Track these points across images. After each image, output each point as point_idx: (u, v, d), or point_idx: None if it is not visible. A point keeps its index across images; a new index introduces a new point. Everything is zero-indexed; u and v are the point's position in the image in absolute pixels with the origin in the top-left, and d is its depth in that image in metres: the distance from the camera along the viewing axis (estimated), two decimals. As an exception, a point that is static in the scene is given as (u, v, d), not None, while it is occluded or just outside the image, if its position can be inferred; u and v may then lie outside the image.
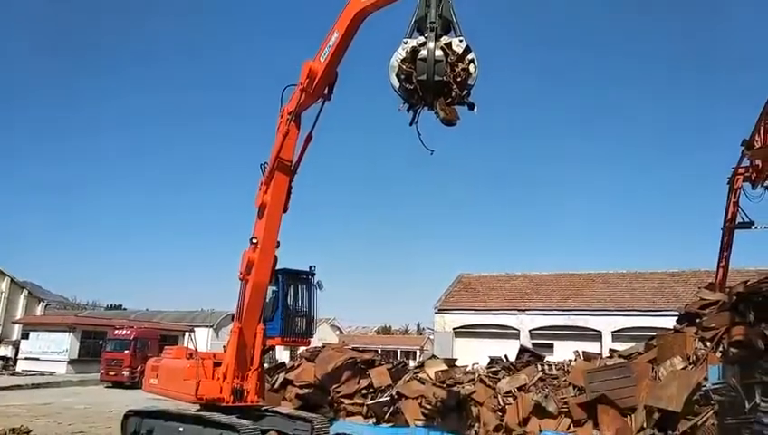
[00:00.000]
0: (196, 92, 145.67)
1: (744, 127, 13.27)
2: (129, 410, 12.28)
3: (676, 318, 15.35)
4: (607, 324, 28.19)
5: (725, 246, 16.90)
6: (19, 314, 43.78)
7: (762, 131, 12.21)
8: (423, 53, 7.88)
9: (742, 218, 16.24)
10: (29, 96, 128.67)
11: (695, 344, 11.62)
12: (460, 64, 7.96)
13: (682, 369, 11.15)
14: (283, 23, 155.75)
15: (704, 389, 9.82)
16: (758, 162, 14.12)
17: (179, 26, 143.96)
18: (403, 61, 8.07)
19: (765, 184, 14.35)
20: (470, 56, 7.97)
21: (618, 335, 27.07)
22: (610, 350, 16.81)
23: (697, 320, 12.94)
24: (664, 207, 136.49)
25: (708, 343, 11.37)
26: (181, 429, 11.16)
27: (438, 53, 7.84)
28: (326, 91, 11.37)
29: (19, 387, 25.41)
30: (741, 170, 15.47)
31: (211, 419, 10.72)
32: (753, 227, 16.20)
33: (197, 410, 11.50)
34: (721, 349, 10.86)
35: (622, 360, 13.27)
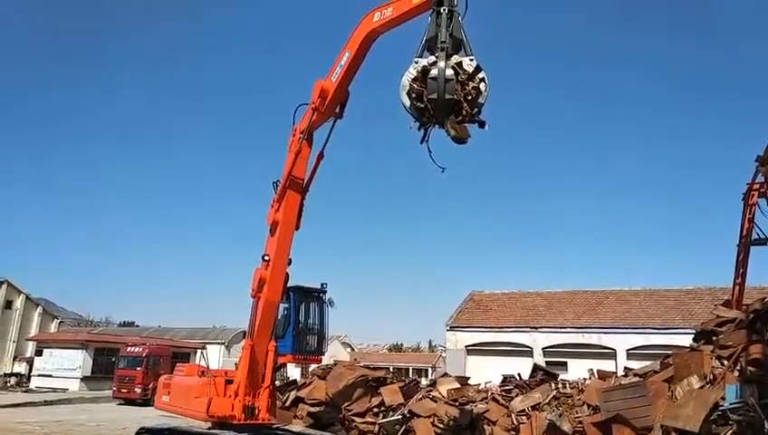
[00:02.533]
0: (207, 99, 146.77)
1: (760, 143, 13.20)
2: (141, 428, 12.29)
3: (693, 336, 15.17)
4: (621, 342, 27.86)
5: (741, 263, 16.72)
6: (33, 330, 44.13)
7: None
8: (434, 72, 7.96)
9: (757, 235, 16.08)
10: (35, 105, 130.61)
11: (711, 363, 11.46)
12: (471, 83, 8.02)
13: (699, 388, 10.98)
14: (286, 21, 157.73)
15: (721, 408, 9.66)
16: (773, 178, 14.02)
17: (180, 32, 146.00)
18: (414, 80, 8.15)
19: (780, 200, 14.23)
20: (480, 75, 8.04)
21: (632, 353, 26.72)
22: (625, 368, 16.61)
23: (714, 338, 12.77)
24: (679, 224, 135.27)
25: (725, 362, 11.20)
26: (193, 447, 11.15)
27: (449, 72, 7.90)
28: (338, 110, 11.49)
29: (32, 404, 25.54)
30: (756, 186, 15.35)
31: (222, 437, 10.70)
32: (768, 244, 16.03)
33: (209, 428, 11.49)
34: (738, 367, 10.69)
35: (638, 378, 13.10)
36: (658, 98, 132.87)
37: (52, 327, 46.85)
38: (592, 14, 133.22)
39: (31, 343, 42.25)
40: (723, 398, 9.88)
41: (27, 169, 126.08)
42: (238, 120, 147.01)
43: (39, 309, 46.06)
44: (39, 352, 38.74)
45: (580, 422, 12.23)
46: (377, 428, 14.91)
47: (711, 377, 11.08)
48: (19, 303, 43.94)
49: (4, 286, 42.84)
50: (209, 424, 11.63)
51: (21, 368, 41.18)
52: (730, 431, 9.24)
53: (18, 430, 15.58)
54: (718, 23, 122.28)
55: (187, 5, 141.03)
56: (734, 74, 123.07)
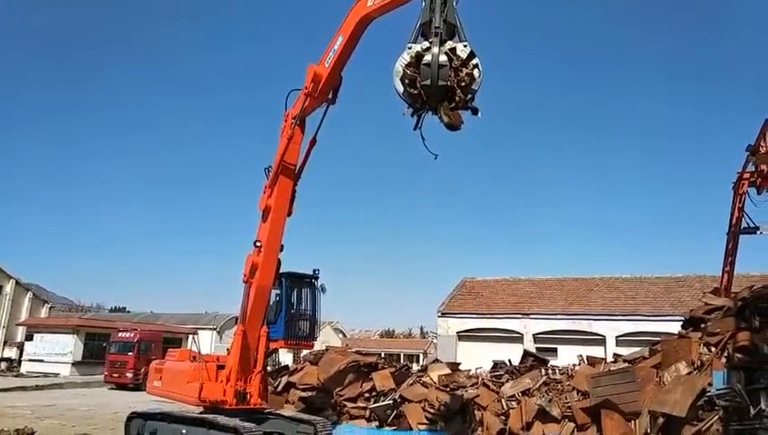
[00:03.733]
0: (198, 94, 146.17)
1: (750, 132, 13.29)
2: (133, 412, 12.30)
3: (681, 323, 15.32)
4: (611, 329, 28.12)
5: (730, 252, 16.87)
6: (24, 315, 43.96)
7: (767, 137, 12.21)
8: (427, 57, 7.91)
9: (747, 224, 16.22)
10: (31, 97, 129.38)
11: (699, 350, 11.60)
12: (464, 69, 7.98)
13: (687, 374, 11.12)
14: (285, 22, 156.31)
15: (708, 394, 9.79)
16: (763, 167, 14.12)
17: (179, 27, 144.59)
18: (407, 65, 8.10)
19: (770, 189, 14.34)
20: (474, 61, 8.00)
21: (622, 340, 26.99)
22: (615, 354, 16.78)
23: (702, 325, 12.91)
24: (669, 212, 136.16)
25: (713, 349, 11.34)
26: (184, 431, 11.17)
27: (443, 57, 7.86)
28: (330, 96, 11.42)
29: (23, 388, 25.49)
30: (746, 175, 15.46)
31: (214, 421, 10.73)
32: (758, 232, 16.18)
33: (201, 413, 11.52)
34: (726, 354, 10.82)
35: (626, 365, 13.25)
36: (649, 88, 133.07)
37: (43, 312, 46.67)
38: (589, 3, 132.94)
39: (21, 328, 42.09)
40: (710, 384, 10.01)
41: (17, 156, 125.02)
42: (229, 109, 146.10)
43: (29, 294, 45.84)
44: (29, 337, 38.62)
45: (569, 407, 12.37)
46: (368, 412, 15.01)
47: (699, 363, 11.22)
48: (9, 288, 43.70)
49: (-6, 271, 42.60)
50: (201, 409, 11.68)
51: (11, 353, 41.06)
52: (716, 417, 9.38)
53: (9, 415, 15.56)
54: (711, 16, 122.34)
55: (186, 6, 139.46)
56: (724, 65, 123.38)
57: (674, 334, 14.08)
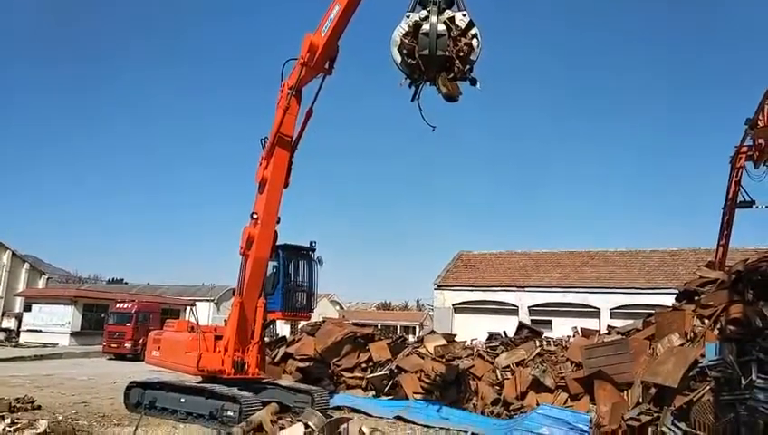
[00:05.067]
0: (195, 62, 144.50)
1: (749, 106, 13.20)
2: (132, 382, 12.45)
3: (675, 296, 15.44)
4: (605, 302, 28.38)
5: (726, 225, 16.93)
6: (21, 286, 44.07)
7: (765, 110, 12.14)
8: (425, 27, 7.80)
9: (743, 197, 16.24)
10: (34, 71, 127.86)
11: (693, 322, 11.69)
12: (463, 39, 7.88)
13: (680, 345, 11.23)
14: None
15: (700, 365, 9.89)
16: (761, 141, 14.07)
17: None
18: (405, 35, 7.99)
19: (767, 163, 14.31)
20: (473, 31, 7.89)
21: (616, 313, 27.26)
22: (608, 327, 16.94)
23: (696, 298, 13.00)
24: (665, 185, 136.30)
25: (706, 321, 11.44)
26: (183, 400, 11.33)
27: (441, 27, 7.76)
28: (327, 66, 11.28)
29: (22, 359, 25.67)
30: (744, 149, 15.42)
31: (213, 390, 10.88)
32: (754, 206, 16.22)
33: (199, 382, 11.66)
34: (719, 327, 10.92)
35: (620, 336, 13.37)
36: (648, 60, 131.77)
37: (40, 283, 46.79)
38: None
39: (19, 299, 42.23)
40: (702, 355, 10.11)
41: (12, 124, 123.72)
42: (224, 79, 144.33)
43: (26, 265, 45.89)
44: (28, 308, 38.78)
45: (562, 378, 12.53)
46: (365, 382, 15.21)
47: (692, 335, 11.33)
48: (6, 259, 43.72)
49: (-10, 243, 42.56)
50: (199, 378, 11.81)
51: (10, 323, 41.23)
52: (708, 387, 9.48)
53: (9, 383, 15.69)
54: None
55: None
56: (725, 37, 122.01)
57: (668, 307, 14.18)
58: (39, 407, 11.69)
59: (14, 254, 44.58)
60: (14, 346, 33.72)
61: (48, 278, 49.69)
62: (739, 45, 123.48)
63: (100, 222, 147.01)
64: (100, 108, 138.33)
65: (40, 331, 36.11)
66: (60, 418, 10.78)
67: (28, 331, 37.09)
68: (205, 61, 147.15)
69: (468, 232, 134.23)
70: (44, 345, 33.32)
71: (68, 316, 35.76)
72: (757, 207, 16.19)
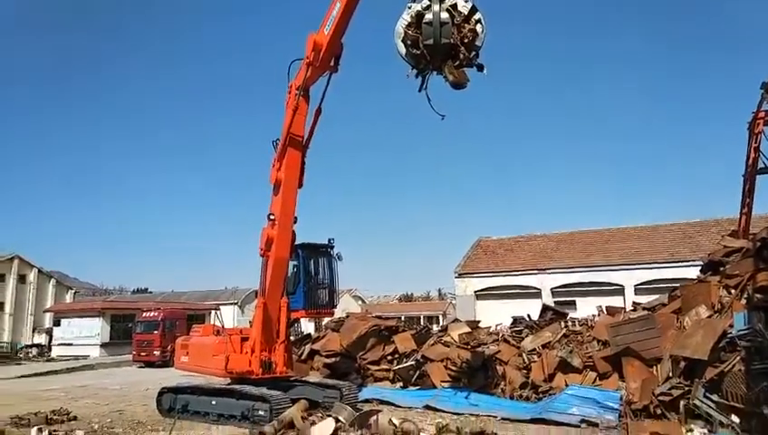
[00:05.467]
0: (210, 67, 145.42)
1: (765, 70, 12.95)
2: (164, 388, 12.65)
3: (700, 268, 15.25)
4: (629, 278, 28.09)
5: (748, 193, 16.64)
6: (49, 302, 44.92)
7: (781, 73, 11.90)
8: (428, 16, 7.77)
9: (764, 163, 15.94)
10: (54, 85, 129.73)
11: (719, 292, 11.57)
12: (467, 25, 7.84)
13: (707, 317, 11.12)
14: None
15: (729, 336, 9.79)
16: (778, 105, 13.80)
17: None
18: (408, 26, 7.97)
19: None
20: (476, 16, 7.85)
21: (640, 289, 26.97)
22: (634, 303, 16.82)
23: (721, 268, 12.85)
24: (684, 156, 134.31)
25: (733, 291, 11.30)
26: (214, 402, 11.50)
27: (444, 15, 7.72)
28: (332, 63, 11.29)
29: (55, 372, 26.19)
30: (761, 114, 15.13)
31: (242, 391, 11.01)
32: (774, 172, 15.91)
33: (229, 384, 11.81)
34: (746, 296, 10.78)
35: (646, 312, 13.27)
36: (662, 28, 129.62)
37: (68, 298, 47.64)
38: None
39: (48, 315, 43.05)
40: (731, 326, 10.00)
41: (26, 134, 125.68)
42: (245, 85, 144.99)
43: (53, 281, 46.76)
44: (57, 323, 39.55)
45: (590, 358, 12.48)
46: (392, 374, 15.28)
47: (719, 306, 11.21)
48: (32, 276, 44.59)
49: (16, 261, 43.40)
50: (229, 380, 11.96)
51: (41, 338, 42.11)
52: (738, 358, 9.39)
53: (43, 397, 16.03)
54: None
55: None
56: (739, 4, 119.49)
57: (693, 280, 14.03)
58: (75, 418, 11.93)
59: (40, 271, 45.43)
60: (47, 360, 34.43)
61: (75, 292, 50.60)
62: (756, 7, 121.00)
63: (123, 234, 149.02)
64: (112, 115, 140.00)
65: (71, 344, 36.82)
66: (96, 427, 11.01)
67: (59, 344, 37.84)
68: (216, 59, 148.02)
69: (486, 218, 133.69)
70: (76, 358, 33.98)
71: (97, 328, 36.41)
72: (778, 172, 15.89)
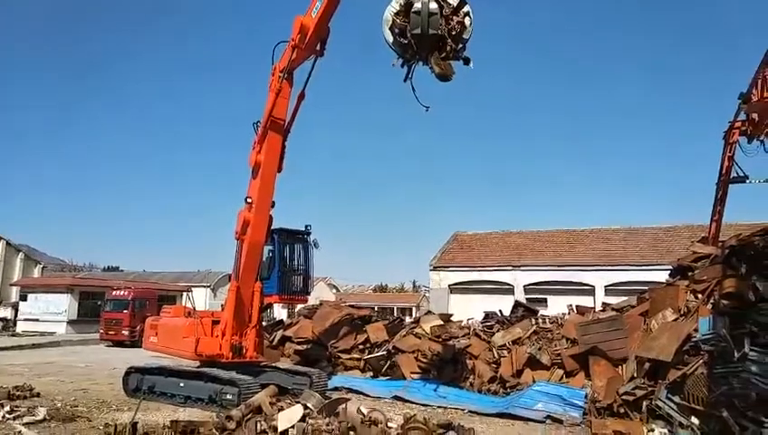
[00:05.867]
0: (189, 45, 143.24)
1: (742, 80, 13.18)
2: (131, 367, 12.49)
3: (669, 272, 15.53)
4: (600, 279, 28.57)
5: (719, 201, 16.98)
6: (16, 276, 43.98)
7: (759, 85, 12.11)
8: (417, 5, 7.73)
9: (736, 173, 16.27)
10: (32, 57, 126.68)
11: (686, 297, 11.79)
12: (455, 17, 7.83)
13: (673, 321, 11.34)
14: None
15: (694, 340, 10.00)
16: (754, 116, 14.06)
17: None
18: (397, 14, 7.92)
19: (761, 138, 14.32)
20: (465, 9, 7.84)
21: (611, 290, 27.46)
22: (603, 303, 17.08)
23: (690, 273, 13.09)
24: (658, 162, 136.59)
25: (700, 296, 11.53)
26: (182, 384, 11.40)
27: (433, 5, 7.69)
28: (318, 47, 11.18)
29: (20, 347, 25.70)
30: (737, 124, 15.41)
31: (211, 374, 10.93)
32: (747, 181, 16.26)
33: (197, 367, 11.71)
34: (712, 301, 11.01)
35: (615, 313, 13.49)
36: (638, 30, 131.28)
37: (36, 272, 46.70)
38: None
39: (15, 289, 42.16)
40: (696, 330, 10.21)
41: (6, 114, 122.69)
42: (220, 64, 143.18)
43: (21, 255, 45.76)
44: (24, 297, 38.71)
45: (558, 355, 12.66)
46: (362, 363, 15.32)
47: (685, 310, 11.43)
48: (0, 248, 43.57)
49: (-17, 233, 42.37)
50: (198, 363, 11.86)
51: (6, 313, 41.22)
52: (701, 361, 9.60)
53: (7, 372, 15.73)
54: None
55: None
56: (721, 16, 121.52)
57: (662, 283, 14.30)
58: (38, 394, 11.72)
59: (8, 243, 44.43)
60: (12, 335, 33.73)
61: (43, 267, 49.58)
62: (737, 18, 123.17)
63: (94, 210, 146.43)
64: (94, 98, 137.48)
65: (37, 320, 36.09)
66: (59, 405, 10.82)
67: (25, 320, 37.06)
68: (195, 37, 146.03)
69: (464, 213, 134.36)
70: (42, 334, 33.34)
71: (64, 305, 35.73)
72: (750, 182, 16.23)
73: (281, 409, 9.24)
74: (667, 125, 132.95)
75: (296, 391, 11.27)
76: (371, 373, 15.01)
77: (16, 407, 9.99)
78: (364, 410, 8.92)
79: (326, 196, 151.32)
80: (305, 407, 9.02)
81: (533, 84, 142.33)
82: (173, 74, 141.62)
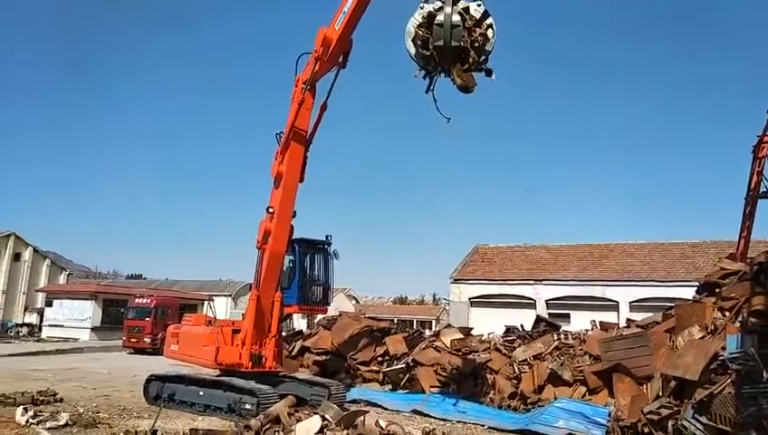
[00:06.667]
0: (209, 60, 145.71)
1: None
2: (151, 375, 12.58)
3: (696, 288, 15.21)
4: (624, 295, 28.07)
5: (748, 216, 16.64)
6: (42, 282, 44.78)
7: (789, 98, 11.89)
8: (440, 17, 7.74)
9: (766, 188, 15.94)
10: (51, 66, 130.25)
11: (713, 314, 11.52)
12: (478, 29, 7.81)
13: (700, 338, 11.07)
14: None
15: (721, 358, 9.75)
16: (784, 130, 13.79)
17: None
18: (419, 26, 7.94)
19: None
20: (488, 21, 7.82)
21: (635, 306, 26.95)
22: (627, 320, 16.77)
23: (717, 290, 12.80)
24: (686, 176, 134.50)
25: (727, 313, 11.25)
26: (201, 393, 11.44)
27: (456, 17, 7.69)
28: (341, 59, 11.25)
29: (44, 353, 26.14)
30: (766, 139, 15.13)
31: (230, 383, 10.96)
32: (776, 197, 15.92)
33: (217, 375, 11.75)
34: (740, 319, 10.74)
35: (639, 329, 13.23)
36: (668, 41, 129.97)
37: (61, 279, 47.51)
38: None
39: (41, 295, 42.93)
40: (723, 348, 9.95)
41: (32, 120, 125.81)
42: (246, 78, 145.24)
43: (47, 261, 46.62)
44: (49, 303, 39.42)
45: (581, 372, 12.42)
46: (381, 376, 15.23)
47: (712, 328, 11.16)
48: (27, 255, 44.44)
49: (12, 239, 43.28)
50: (218, 371, 11.90)
51: (32, 318, 42.00)
52: (728, 380, 9.35)
53: (32, 377, 15.98)
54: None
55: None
56: (748, 25, 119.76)
57: (688, 300, 13.99)
58: (61, 400, 11.88)
59: (35, 250, 45.30)
60: (37, 341, 34.35)
61: (69, 274, 50.43)
62: (761, 34, 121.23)
63: (120, 218, 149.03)
64: (117, 107, 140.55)
65: (61, 326, 36.70)
66: (81, 410, 10.94)
67: (50, 326, 37.72)
68: (220, 60, 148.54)
69: (485, 225, 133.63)
70: (66, 340, 33.88)
71: (88, 311, 36.29)
72: (780, 197, 15.90)
73: (299, 420, 9.23)
74: (691, 140, 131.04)
75: (314, 403, 11.23)
76: (390, 386, 14.90)
77: (40, 412, 10.12)
78: (382, 424, 8.87)
79: (347, 206, 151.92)
80: (323, 418, 8.99)
81: (558, 94, 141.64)
82: (193, 88, 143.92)
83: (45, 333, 37.53)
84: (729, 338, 10.00)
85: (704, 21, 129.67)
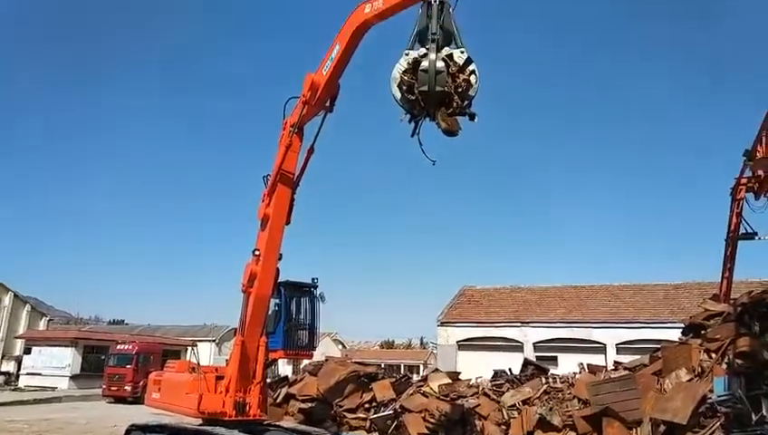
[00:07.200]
0: (196, 98, 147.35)
1: (747, 137, 13.32)
2: (132, 425, 12.20)
3: (681, 330, 15.26)
4: (611, 337, 28.01)
5: (729, 258, 16.85)
6: (22, 328, 43.67)
7: (763, 141, 12.24)
8: (424, 63, 7.93)
9: (745, 229, 16.20)
10: (32, 106, 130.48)
11: (700, 356, 11.55)
12: (461, 75, 8.00)
13: (687, 381, 11.06)
14: (285, 23, 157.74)
15: (710, 401, 9.73)
16: (760, 172, 14.13)
17: (180, 30, 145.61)
18: (405, 72, 8.12)
19: (768, 194, 14.33)
20: (471, 67, 8.02)
21: (622, 348, 26.88)
22: (615, 362, 16.71)
23: (702, 331, 12.87)
24: (668, 218, 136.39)
25: (713, 355, 11.29)
26: (183, 443, 11.09)
27: (440, 63, 7.88)
28: (328, 104, 11.43)
29: (21, 402, 25.29)
30: (743, 181, 15.46)
31: (213, 433, 10.64)
32: (756, 238, 16.17)
33: (200, 425, 11.42)
34: (726, 360, 10.77)
35: (627, 372, 13.19)
36: (648, 87, 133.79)
37: (41, 325, 46.39)
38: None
39: (19, 342, 41.82)
40: (711, 390, 9.95)
41: (7, 168, 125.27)
42: (228, 119, 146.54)
43: (27, 307, 45.58)
44: (28, 351, 38.35)
45: (570, 416, 12.30)
46: (368, 423, 14.92)
47: (699, 370, 11.17)
48: (7, 301, 43.48)
49: (-8, 285, 42.43)
50: (200, 420, 11.57)
51: (9, 367, 40.72)
52: (718, 423, 9.31)
53: (7, 429, 15.41)
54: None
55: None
56: (725, 72, 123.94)
57: (674, 341, 14.02)
58: (36, 452, 11.46)
59: (15, 296, 44.35)
60: (13, 390, 33.25)
61: (49, 320, 49.29)
62: (742, 72, 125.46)
63: (102, 264, 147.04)
64: (101, 150, 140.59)
65: (39, 374, 35.59)
66: (57, 463, 10.55)
67: (27, 374, 36.57)
68: (218, 92, 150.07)
69: (472, 268, 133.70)
70: (44, 389, 32.84)
71: (68, 359, 35.30)
72: (759, 238, 16.14)
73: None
74: (671, 183, 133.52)
75: (299, 452, 10.94)
76: (377, 434, 14.59)
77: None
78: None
79: (331, 250, 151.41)
80: (309, 468, 8.75)
81: (540, 140, 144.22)
82: (182, 125, 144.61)
83: (23, 381, 36.35)
84: (716, 380, 10.01)
85: (681, 58, 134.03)
